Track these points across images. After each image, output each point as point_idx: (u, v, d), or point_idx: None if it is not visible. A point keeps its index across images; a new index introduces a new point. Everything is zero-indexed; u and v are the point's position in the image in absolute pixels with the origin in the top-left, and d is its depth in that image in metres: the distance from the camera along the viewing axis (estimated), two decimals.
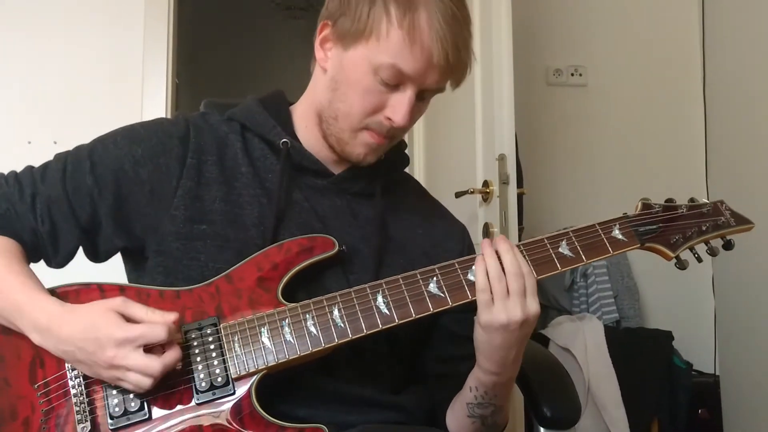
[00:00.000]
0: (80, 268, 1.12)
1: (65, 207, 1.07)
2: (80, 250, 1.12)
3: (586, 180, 3.06)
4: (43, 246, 1.08)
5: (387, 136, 1.09)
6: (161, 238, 1.07)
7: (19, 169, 1.11)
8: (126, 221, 1.09)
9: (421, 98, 1.08)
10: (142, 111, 2.46)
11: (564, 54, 3.12)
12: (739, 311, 2.86)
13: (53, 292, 1.01)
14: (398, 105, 1.05)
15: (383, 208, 1.17)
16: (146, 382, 0.92)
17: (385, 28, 1.02)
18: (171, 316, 0.95)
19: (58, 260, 1.10)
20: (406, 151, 1.30)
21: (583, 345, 2.55)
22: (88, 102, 2.46)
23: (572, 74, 3.11)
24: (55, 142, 2.38)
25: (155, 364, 0.92)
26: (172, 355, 0.94)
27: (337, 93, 1.08)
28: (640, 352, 2.67)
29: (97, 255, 1.13)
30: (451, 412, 1.15)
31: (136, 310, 0.95)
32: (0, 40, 2.43)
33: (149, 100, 2.49)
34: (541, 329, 2.74)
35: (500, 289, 0.98)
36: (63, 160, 1.10)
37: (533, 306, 0.99)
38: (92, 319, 0.94)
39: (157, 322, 0.93)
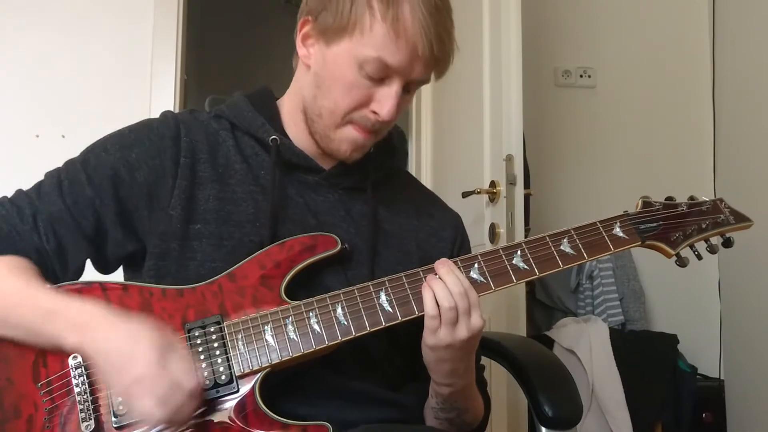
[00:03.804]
0: None
1: (69, 220, 1.06)
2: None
3: (593, 181, 3.05)
4: (50, 264, 1.06)
5: (372, 131, 1.08)
6: (159, 239, 1.06)
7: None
8: (131, 224, 1.09)
9: (407, 90, 1.07)
10: (151, 106, 2.45)
11: (573, 55, 3.11)
12: (745, 316, 2.85)
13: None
14: (384, 99, 1.04)
15: (376, 203, 1.17)
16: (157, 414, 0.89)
17: (368, 22, 1.01)
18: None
19: (68, 277, 1.08)
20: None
21: (588, 347, 2.55)
22: (96, 97, 2.45)
23: (581, 76, 3.09)
24: (63, 136, 2.39)
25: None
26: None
27: (321, 90, 1.07)
28: (645, 355, 2.67)
29: (107, 265, 1.12)
30: (425, 413, 1.16)
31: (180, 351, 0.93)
32: (8, 34, 2.43)
33: (157, 95, 2.49)
34: (546, 331, 2.74)
35: (451, 317, 0.98)
36: (56, 176, 1.09)
37: (477, 322, 0.99)
38: (137, 328, 0.92)
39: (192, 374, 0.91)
